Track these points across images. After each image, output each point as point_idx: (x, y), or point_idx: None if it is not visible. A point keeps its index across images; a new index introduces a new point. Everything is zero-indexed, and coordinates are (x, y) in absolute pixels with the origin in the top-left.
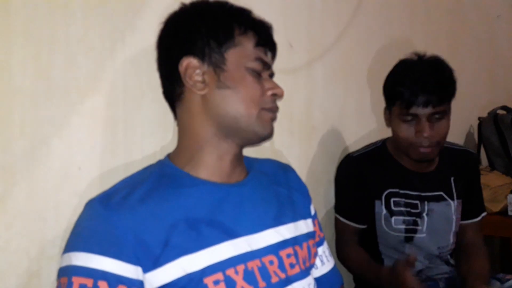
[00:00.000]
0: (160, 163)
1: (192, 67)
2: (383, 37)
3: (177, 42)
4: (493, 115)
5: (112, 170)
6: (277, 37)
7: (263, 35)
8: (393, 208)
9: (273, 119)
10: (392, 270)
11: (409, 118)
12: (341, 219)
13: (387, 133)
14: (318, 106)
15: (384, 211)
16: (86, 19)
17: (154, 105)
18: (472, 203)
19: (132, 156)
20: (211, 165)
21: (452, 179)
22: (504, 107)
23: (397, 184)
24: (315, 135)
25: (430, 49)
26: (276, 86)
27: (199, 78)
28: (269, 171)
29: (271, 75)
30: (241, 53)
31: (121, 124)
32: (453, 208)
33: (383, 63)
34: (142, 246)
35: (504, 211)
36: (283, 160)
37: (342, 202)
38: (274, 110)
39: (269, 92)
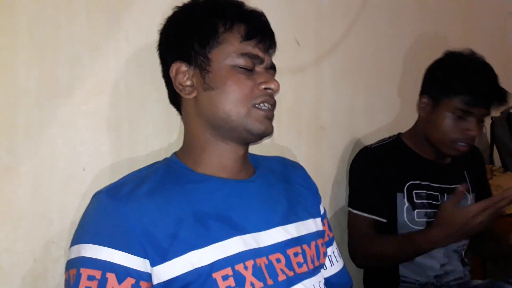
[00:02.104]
0: (167, 160)
1: (181, 72)
2: (391, 34)
3: (168, 48)
4: (506, 114)
5: (116, 171)
6: (284, 34)
7: (253, 27)
8: (415, 200)
9: (268, 117)
10: (444, 213)
11: (463, 114)
12: (360, 213)
13: (395, 131)
14: (327, 105)
15: (407, 204)
16: (90, 19)
17: (158, 105)
18: (484, 196)
19: (137, 157)
20: (216, 164)
21: (465, 172)
22: None
23: (419, 175)
24: (324, 134)
25: (441, 46)
26: (269, 80)
27: (188, 82)
28: (278, 169)
29: (271, 67)
30: (225, 51)
31: (126, 124)
32: (469, 201)
33: (392, 60)
34: (150, 239)
35: None
36: (290, 159)
37: (361, 195)
38: (268, 102)
39: (261, 86)
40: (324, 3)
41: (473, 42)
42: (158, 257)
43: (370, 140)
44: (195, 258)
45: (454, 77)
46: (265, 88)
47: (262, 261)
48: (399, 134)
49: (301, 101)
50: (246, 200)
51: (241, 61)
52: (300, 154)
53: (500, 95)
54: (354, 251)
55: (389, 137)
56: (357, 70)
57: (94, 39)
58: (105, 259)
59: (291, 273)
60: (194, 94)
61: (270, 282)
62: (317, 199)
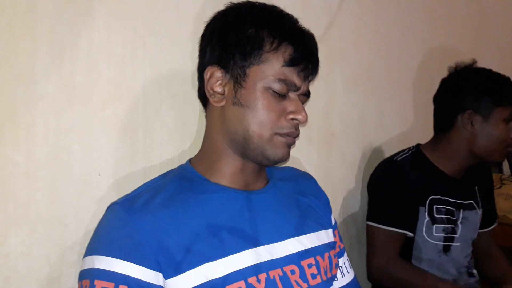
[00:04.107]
0: (181, 168)
1: (215, 77)
2: (403, 41)
3: (209, 47)
4: None
5: (131, 176)
6: None
7: (300, 52)
8: (435, 215)
9: (289, 144)
10: None
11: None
12: (384, 227)
13: (408, 139)
14: (337, 113)
15: (427, 218)
16: (108, 26)
17: (173, 112)
18: (490, 211)
19: (151, 163)
20: (230, 174)
21: (476, 188)
22: None
23: (439, 190)
24: (334, 142)
25: (452, 54)
26: (299, 111)
27: (219, 89)
28: (290, 179)
29: (305, 94)
30: (265, 71)
31: (141, 131)
32: (479, 217)
33: (404, 70)
34: (164, 252)
35: None
36: (300, 167)
37: (386, 208)
38: (292, 135)
39: (289, 116)
40: (336, 12)
41: (483, 53)
42: (171, 270)
43: (381, 149)
44: (209, 271)
45: (502, 89)
46: (292, 118)
47: (276, 273)
48: (418, 145)
49: (312, 108)
50: (260, 212)
51: (277, 86)
52: (310, 161)
53: None
54: (374, 267)
55: (409, 149)
56: (368, 78)
57: (112, 46)
58: (118, 271)
59: (305, 285)
60: (222, 104)
61: None
62: (328, 210)
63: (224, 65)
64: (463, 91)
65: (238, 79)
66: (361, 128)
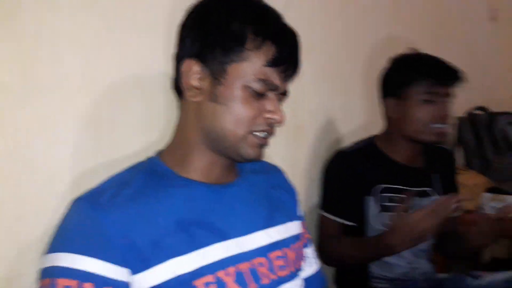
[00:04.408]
0: (149, 160)
1: (192, 71)
2: (369, 36)
3: (189, 37)
4: (470, 115)
5: (95, 170)
6: None
7: (283, 53)
8: (386, 203)
9: (262, 144)
10: (394, 221)
11: (430, 97)
12: (330, 216)
13: (373, 131)
14: (305, 105)
15: (377, 207)
16: (73, 15)
17: (140, 104)
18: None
19: (117, 155)
20: (201, 168)
21: (436, 175)
22: (480, 108)
23: (390, 179)
24: (301, 134)
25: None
26: (276, 111)
27: (196, 83)
28: (260, 172)
29: (283, 93)
30: (246, 69)
31: (106, 123)
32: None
33: (370, 61)
34: (131, 248)
35: (478, 209)
36: (268, 159)
37: (332, 198)
38: (267, 134)
39: (266, 115)
40: (304, 4)
41: (443, 47)
42: (139, 265)
43: (347, 140)
44: (177, 266)
45: (410, 67)
46: (269, 118)
47: (245, 266)
48: (374, 136)
49: None
50: (229, 205)
51: (256, 86)
52: (277, 153)
53: (456, 72)
54: (321, 252)
55: (363, 140)
56: (335, 72)
57: (76, 35)
58: (82, 268)
59: (273, 277)
60: (198, 99)
61: (253, 286)
62: (297, 202)
63: (203, 59)
64: (385, 74)
65: (217, 76)
66: (327, 120)
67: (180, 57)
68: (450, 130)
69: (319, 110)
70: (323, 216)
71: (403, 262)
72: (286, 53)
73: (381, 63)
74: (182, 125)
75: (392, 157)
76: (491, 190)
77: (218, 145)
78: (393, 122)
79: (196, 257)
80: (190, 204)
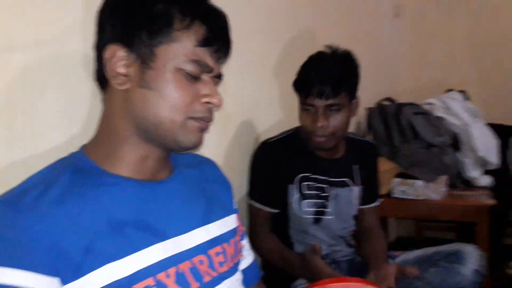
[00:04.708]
0: (73, 156)
1: (117, 57)
2: (289, 29)
3: (110, 22)
4: (379, 105)
5: (9, 169)
6: None
7: (213, 32)
8: (305, 191)
9: (203, 129)
10: (302, 259)
11: (308, 107)
12: (256, 204)
13: (295, 122)
14: (232, 96)
15: (297, 195)
16: None
17: (59, 92)
18: (371, 190)
19: (34, 151)
20: (133, 163)
21: (356, 167)
22: (388, 99)
23: (309, 168)
24: (230, 125)
25: (328, 42)
26: (213, 94)
27: (122, 70)
28: (194, 166)
29: (218, 76)
30: (176, 51)
31: (20, 114)
32: (355, 194)
33: (290, 55)
34: (60, 254)
35: (389, 193)
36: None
37: (257, 187)
38: (206, 120)
39: (203, 99)
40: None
41: (355, 40)
42: (70, 273)
43: (272, 132)
44: (113, 271)
45: (298, 75)
46: (207, 102)
47: (185, 266)
48: (299, 127)
49: None
50: (165, 203)
51: (189, 67)
52: (207, 144)
53: (333, 83)
54: (251, 241)
55: (289, 130)
56: (260, 64)
57: None
58: (6, 282)
59: (214, 274)
60: (126, 86)
61: (196, 285)
62: (231, 195)
63: (128, 43)
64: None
65: (145, 59)
66: (254, 111)
67: (101, 45)
68: (331, 141)
69: (246, 102)
70: (251, 205)
71: (324, 245)
72: (216, 32)
73: (302, 56)
74: (109, 116)
75: (312, 149)
76: (400, 175)
77: (153, 134)
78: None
79: (134, 260)
80: (123, 204)
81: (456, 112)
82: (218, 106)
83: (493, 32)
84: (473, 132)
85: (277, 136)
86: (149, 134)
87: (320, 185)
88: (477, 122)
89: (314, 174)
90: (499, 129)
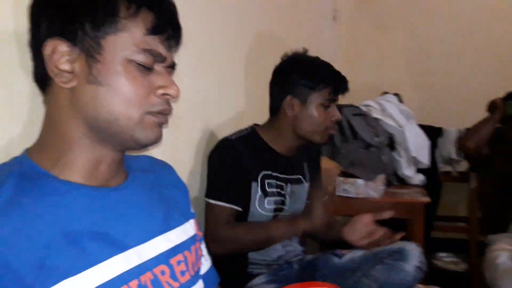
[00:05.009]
0: (17, 161)
1: (59, 53)
2: (236, 30)
3: (47, 15)
4: None
5: None
6: None
7: (163, 19)
8: (267, 189)
9: (162, 124)
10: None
11: (331, 103)
12: (220, 203)
13: (247, 121)
14: (183, 95)
15: (260, 192)
16: None
17: None
18: (317, 187)
19: None
20: (85, 168)
21: (305, 164)
22: None
23: (270, 166)
24: (180, 124)
25: (272, 43)
26: (169, 85)
27: (66, 67)
28: (149, 170)
29: (171, 66)
30: (124, 41)
31: None
32: (306, 190)
33: (238, 54)
34: (8, 274)
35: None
36: (147, 151)
37: (221, 185)
38: (166, 112)
39: (159, 91)
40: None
41: (295, 43)
42: None
43: (222, 131)
44: (70, 287)
45: (317, 74)
46: (164, 94)
47: (147, 278)
48: (254, 126)
49: None
50: (123, 211)
51: (141, 57)
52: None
53: (347, 82)
54: (212, 239)
55: (245, 129)
56: (210, 62)
57: None
58: None
59: (176, 284)
60: (73, 84)
61: None
62: (189, 199)
63: (70, 37)
64: (284, 76)
65: (91, 53)
66: (205, 110)
67: (38, 42)
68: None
69: (197, 101)
70: (213, 204)
71: (279, 246)
72: (165, 19)
73: (252, 56)
74: (54, 118)
75: (273, 147)
76: (342, 174)
77: (107, 134)
78: (288, 119)
79: (92, 275)
80: (77, 214)
81: (392, 114)
82: (176, 97)
83: (423, 42)
84: (407, 133)
85: (235, 134)
86: (103, 134)
87: (280, 183)
88: (411, 123)
89: (274, 172)
90: (428, 130)
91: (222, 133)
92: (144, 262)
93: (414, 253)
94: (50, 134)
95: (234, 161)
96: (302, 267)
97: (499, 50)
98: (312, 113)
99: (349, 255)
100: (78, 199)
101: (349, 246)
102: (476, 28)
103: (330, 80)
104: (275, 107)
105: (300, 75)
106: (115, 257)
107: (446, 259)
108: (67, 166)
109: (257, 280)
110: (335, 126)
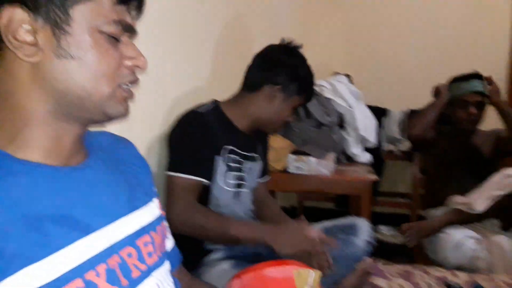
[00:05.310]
0: None
1: (17, 22)
2: (199, 5)
3: None
4: None
5: None
6: None
7: None
8: (230, 164)
9: (130, 97)
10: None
11: (298, 106)
12: (186, 176)
13: (201, 97)
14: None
15: (223, 166)
16: None
17: None
18: (266, 165)
19: None
20: (45, 146)
21: (258, 142)
22: None
23: (233, 142)
24: (137, 98)
25: (237, 21)
26: (138, 55)
27: (29, 38)
28: (110, 147)
29: (133, 35)
30: (94, 11)
31: None
32: (260, 168)
33: (200, 29)
34: None
35: (285, 169)
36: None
37: (189, 157)
38: (134, 83)
39: (128, 62)
40: None
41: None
42: None
43: (181, 105)
44: (33, 275)
45: (307, 83)
46: (132, 65)
47: (114, 261)
48: (216, 101)
49: None
50: (86, 192)
51: (111, 28)
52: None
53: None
54: (174, 215)
55: (208, 104)
56: (167, 34)
57: None
58: None
59: (143, 267)
60: (37, 58)
61: (125, 282)
62: (151, 177)
63: (31, 5)
64: (284, 67)
65: (58, 23)
66: (160, 83)
67: None
68: None
69: (153, 74)
70: (174, 176)
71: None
72: None
73: (215, 31)
74: (10, 92)
75: (235, 124)
76: (294, 152)
77: (77, 109)
78: (259, 103)
79: (57, 261)
80: (37, 195)
81: (342, 94)
82: (144, 68)
83: (370, 25)
84: (356, 113)
85: (201, 107)
86: (72, 109)
87: (240, 159)
88: (359, 104)
89: (237, 148)
90: (374, 111)
91: (180, 108)
92: (111, 246)
93: (364, 228)
94: (5, 110)
95: (203, 134)
96: (257, 248)
97: (442, 35)
98: (284, 110)
99: None
100: (38, 179)
101: None
102: (421, 14)
103: (309, 91)
104: (252, 85)
105: (294, 77)
106: (80, 240)
107: (386, 232)
108: (25, 144)
109: (213, 256)
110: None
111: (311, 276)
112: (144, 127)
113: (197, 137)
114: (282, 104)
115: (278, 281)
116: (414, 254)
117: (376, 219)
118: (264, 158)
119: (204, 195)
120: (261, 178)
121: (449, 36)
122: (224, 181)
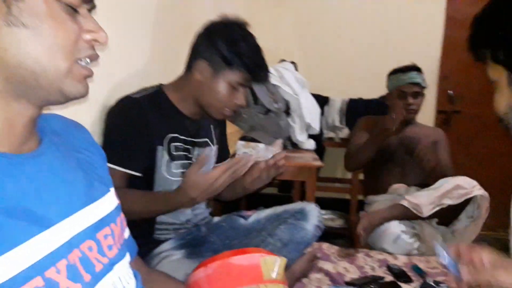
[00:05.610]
0: None
1: None
2: None
3: None
4: None
5: None
6: None
7: None
8: (173, 152)
9: (89, 75)
10: (188, 179)
11: (238, 86)
12: (114, 167)
13: (149, 79)
14: None
15: (166, 156)
16: None
17: None
18: (223, 148)
19: None
20: None
21: (212, 127)
22: None
23: (177, 129)
24: None
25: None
26: (98, 29)
27: None
28: (63, 132)
29: (91, 9)
30: None
31: None
32: (214, 152)
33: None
34: None
35: (234, 155)
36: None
37: (120, 148)
38: (93, 58)
39: (87, 36)
40: None
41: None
42: None
43: (126, 87)
44: None
45: (238, 53)
46: (91, 39)
47: (75, 256)
48: (161, 85)
49: None
50: (42, 182)
51: None
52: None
53: (268, 73)
54: None
55: (150, 88)
56: (113, 11)
57: None
58: None
59: (105, 260)
60: None
61: (87, 278)
62: (106, 164)
63: None
64: (206, 38)
65: None
66: (107, 67)
67: None
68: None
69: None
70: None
71: (188, 209)
72: None
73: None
74: None
75: (180, 109)
76: (243, 138)
77: (30, 87)
78: (194, 83)
79: (14, 258)
80: None
81: (289, 81)
82: (104, 43)
83: (314, 14)
84: (302, 100)
85: (139, 92)
86: (24, 87)
87: (187, 146)
88: (304, 91)
89: (182, 135)
90: (317, 98)
91: (126, 90)
92: (71, 239)
93: (313, 213)
94: None
95: (137, 123)
96: (210, 230)
97: (382, 30)
98: (217, 87)
99: (254, 216)
100: None
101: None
102: (364, 11)
103: (250, 65)
104: (187, 65)
105: (221, 45)
106: (39, 235)
107: (324, 216)
108: None
109: (165, 246)
110: (236, 109)
111: (277, 263)
112: (91, 110)
113: (129, 126)
114: (212, 79)
115: (245, 268)
116: (353, 236)
117: (317, 204)
118: (221, 142)
119: (148, 185)
120: (218, 163)
121: (387, 31)
122: (167, 171)
